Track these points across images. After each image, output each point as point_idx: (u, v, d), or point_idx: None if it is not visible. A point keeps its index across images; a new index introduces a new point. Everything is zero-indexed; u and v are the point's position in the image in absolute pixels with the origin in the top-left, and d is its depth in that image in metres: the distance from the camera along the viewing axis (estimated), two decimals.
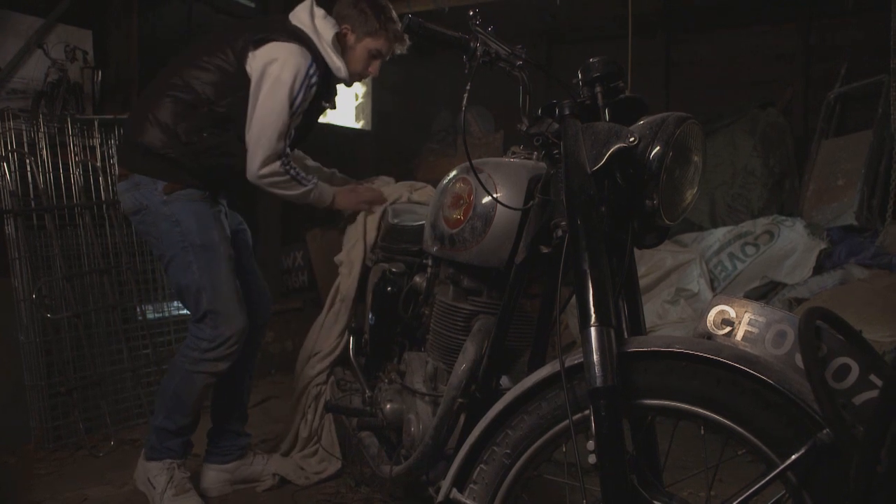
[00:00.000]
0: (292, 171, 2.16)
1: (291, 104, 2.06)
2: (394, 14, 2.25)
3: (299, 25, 2.13)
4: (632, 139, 1.16)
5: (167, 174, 2.07)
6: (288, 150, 2.14)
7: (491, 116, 5.87)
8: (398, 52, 2.33)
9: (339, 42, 2.20)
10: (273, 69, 2.04)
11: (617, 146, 1.17)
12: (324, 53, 2.13)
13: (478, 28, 1.42)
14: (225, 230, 2.16)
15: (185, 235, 2.07)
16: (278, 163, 2.11)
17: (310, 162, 2.59)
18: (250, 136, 2.08)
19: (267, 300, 2.43)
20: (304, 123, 2.22)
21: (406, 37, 2.25)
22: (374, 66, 2.29)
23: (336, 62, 2.16)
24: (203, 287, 2.06)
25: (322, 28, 2.15)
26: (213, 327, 2.06)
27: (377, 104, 6.05)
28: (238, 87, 2.06)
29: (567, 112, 1.27)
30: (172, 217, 2.07)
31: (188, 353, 2.10)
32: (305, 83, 2.07)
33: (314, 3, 2.20)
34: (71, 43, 3.23)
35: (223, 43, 2.11)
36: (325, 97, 2.27)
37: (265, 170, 2.09)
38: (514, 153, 1.67)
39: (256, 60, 2.05)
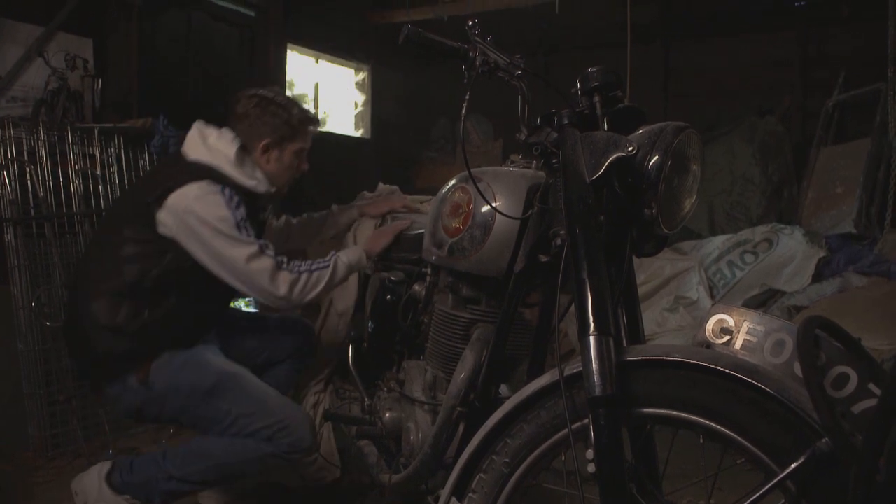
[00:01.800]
0: (302, 268, 1.93)
1: (239, 229, 1.83)
2: (297, 104, 2.07)
3: (195, 158, 1.91)
4: (630, 148, 1.17)
5: (127, 367, 1.88)
6: (282, 259, 1.91)
7: (490, 125, 5.89)
8: (316, 132, 2.15)
9: (262, 158, 2.01)
10: (193, 221, 1.80)
11: (616, 155, 1.17)
12: (232, 176, 1.90)
13: (476, 38, 1.42)
14: (220, 354, 1.98)
15: (192, 393, 1.87)
16: (283, 273, 1.88)
17: (294, 220, 2.47)
18: (244, 290, 1.90)
19: (300, 327, 2.33)
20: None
21: (316, 118, 2.13)
22: (306, 162, 2.12)
23: (247, 181, 1.93)
24: (245, 413, 1.84)
25: (221, 147, 1.93)
26: (287, 436, 1.84)
27: (377, 112, 6.07)
28: (161, 253, 1.85)
29: (566, 121, 1.28)
30: (166, 392, 1.88)
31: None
32: (232, 207, 1.84)
33: (202, 125, 1.99)
34: (71, 51, 3.24)
35: (125, 217, 1.92)
36: (260, 210, 2.10)
37: (282, 291, 1.87)
38: (513, 162, 1.67)
39: (168, 219, 1.82)
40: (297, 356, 2.29)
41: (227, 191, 1.85)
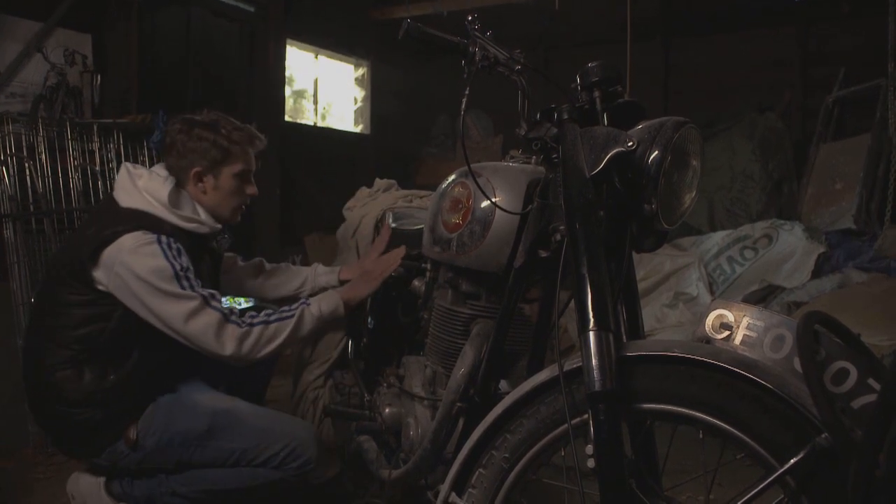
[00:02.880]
0: (256, 319, 1.74)
1: (179, 281, 1.66)
2: (230, 122, 1.88)
3: (127, 205, 1.75)
4: (630, 143, 1.17)
5: (112, 435, 1.76)
6: (231, 310, 1.72)
7: (490, 120, 5.89)
8: (259, 150, 1.93)
9: (196, 190, 1.84)
10: (129, 277, 1.64)
11: (615, 150, 1.17)
12: (168, 220, 1.75)
13: (476, 32, 1.42)
14: (205, 389, 1.86)
15: (188, 441, 1.76)
16: (230, 328, 1.68)
17: (267, 266, 2.27)
18: (190, 343, 1.69)
19: None
20: (208, 284, 1.80)
21: (257, 133, 1.92)
22: (251, 185, 1.92)
23: (186, 224, 1.78)
24: (249, 446, 1.75)
25: (153, 189, 1.77)
26: (295, 460, 1.76)
27: (376, 108, 6.06)
28: (109, 310, 1.71)
29: (566, 116, 1.28)
30: (160, 448, 1.77)
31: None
32: (171, 256, 1.67)
33: (131, 167, 1.83)
34: (70, 47, 3.24)
35: (63, 279, 1.74)
36: (207, 249, 1.93)
37: (230, 347, 1.68)
38: (512, 157, 1.67)
39: (103, 276, 1.67)
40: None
41: (163, 239, 1.68)
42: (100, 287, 1.69)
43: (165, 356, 1.79)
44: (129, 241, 1.66)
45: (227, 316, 1.69)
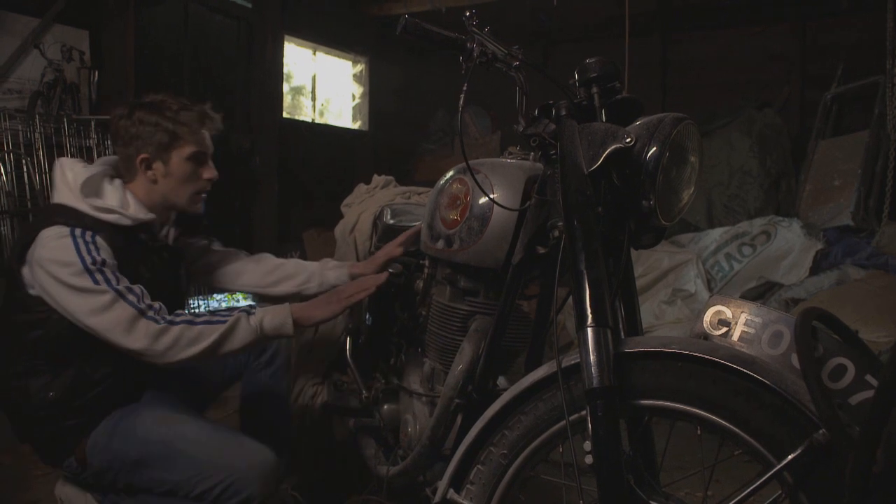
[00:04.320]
0: (180, 318, 1.59)
1: (91, 274, 1.53)
2: (177, 102, 1.75)
3: (55, 200, 1.65)
4: (628, 140, 1.17)
5: (66, 449, 1.68)
6: (149, 306, 1.58)
7: (488, 117, 5.88)
8: (215, 131, 1.80)
9: (146, 177, 1.72)
10: (42, 273, 1.55)
11: (613, 147, 1.17)
12: (83, 211, 1.61)
13: (474, 28, 1.42)
14: (158, 406, 1.72)
15: (123, 466, 1.64)
16: (143, 323, 1.54)
17: (254, 257, 2.10)
18: (101, 337, 1.56)
19: None
20: (151, 285, 1.66)
21: (213, 113, 1.79)
22: (208, 169, 1.77)
23: (103, 215, 1.63)
24: (182, 479, 1.61)
25: (73, 180, 1.64)
26: (234, 496, 1.59)
27: (374, 105, 6.06)
28: (43, 320, 1.60)
29: (564, 113, 1.27)
30: (102, 469, 1.66)
31: None
32: (84, 249, 1.55)
33: (62, 163, 1.70)
34: (67, 43, 3.23)
35: (8, 292, 1.66)
36: (144, 250, 1.75)
37: (143, 344, 1.54)
38: (511, 154, 1.67)
39: (28, 275, 1.59)
40: (262, 360, 2.00)
41: (78, 232, 1.57)
42: (30, 291, 1.60)
43: (110, 366, 1.66)
44: (44, 235, 1.56)
45: (144, 311, 1.55)
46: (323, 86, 5.86)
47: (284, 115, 5.22)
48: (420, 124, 6.24)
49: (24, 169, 2.77)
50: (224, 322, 1.60)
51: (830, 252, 3.72)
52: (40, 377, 1.63)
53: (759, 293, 3.54)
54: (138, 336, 1.53)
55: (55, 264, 1.53)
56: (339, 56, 5.94)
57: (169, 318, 1.57)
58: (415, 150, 6.14)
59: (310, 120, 5.68)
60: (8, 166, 2.72)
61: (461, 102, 1.36)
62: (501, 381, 1.75)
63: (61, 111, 3.05)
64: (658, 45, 5.67)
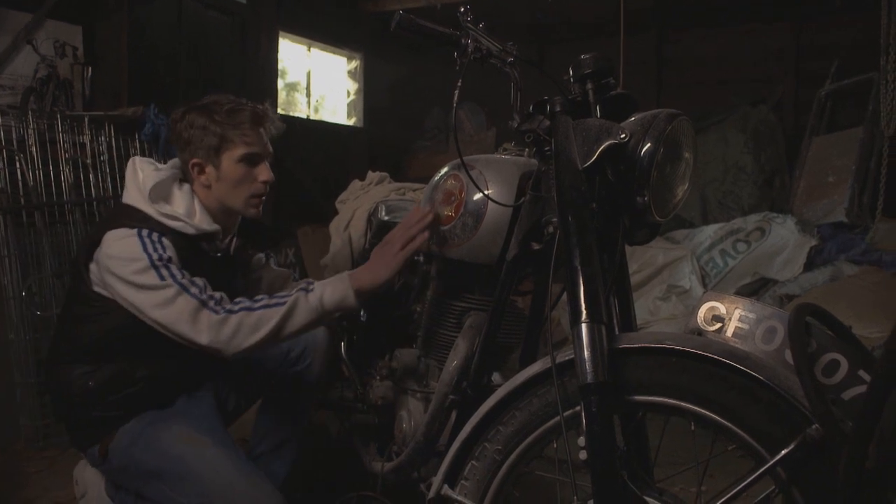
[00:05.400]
0: (239, 307, 1.55)
1: (157, 270, 1.54)
2: (229, 101, 1.71)
3: (125, 201, 1.67)
4: (623, 136, 1.17)
5: (94, 437, 1.71)
6: (210, 297, 1.55)
7: (483, 114, 5.88)
8: (274, 131, 1.77)
9: (201, 184, 1.70)
10: (108, 272, 1.56)
11: (608, 143, 1.17)
12: (150, 215, 1.62)
13: (469, 24, 1.41)
14: (186, 419, 1.71)
15: (138, 474, 1.67)
16: (205, 314, 1.52)
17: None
18: (168, 332, 1.55)
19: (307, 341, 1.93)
20: (212, 286, 1.62)
21: (269, 111, 1.77)
22: (263, 171, 1.71)
23: (169, 221, 1.62)
24: (188, 501, 1.60)
25: (143, 183, 1.65)
26: None
27: (369, 101, 6.04)
28: (104, 312, 1.62)
29: (558, 109, 1.28)
30: (120, 469, 1.70)
31: None
32: (150, 247, 1.56)
33: (135, 162, 1.70)
34: (60, 39, 3.21)
35: (73, 286, 1.73)
36: (203, 259, 1.71)
37: (207, 336, 1.51)
38: (505, 150, 1.67)
39: (94, 274, 1.61)
40: (284, 377, 1.93)
41: (145, 232, 1.58)
42: (94, 287, 1.63)
43: (151, 368, 1.69)
44: (111, 236, 1.58)
45: (206, 302, 1.53)
46: (318, 82, 5.84)
47: (279, 111, 5.20)
48: (415, 121, 6.23)
49: (18, 165, 2.75)
50: (283, 304, 1.54)
51: (824, 248, 3.73)
52: (84, 366, 1.67)
53: (754, 289, 3.55)
54: (202, 328, 1.51)
55: (121, 262, 1.54)
56: (333, 52, 5.92)
57: (228, 307, 1.54)
58: (409, 146, 6.13)
59: (304, 116, 5.67)
60: (1, 163, 2.70)
61: (455, 99, 1.35)
62: (496, 377, 1.75)
63: (54, 107, 3.04)
64: (653, 43, 5.67)
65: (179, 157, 1.72)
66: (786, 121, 5.06)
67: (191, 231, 1.65)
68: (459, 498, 1.23)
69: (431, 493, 1.25)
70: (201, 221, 1.68)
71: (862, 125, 4.34)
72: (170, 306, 1.52)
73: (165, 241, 1.59)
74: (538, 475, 1.24)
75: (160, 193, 1.66)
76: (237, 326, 1.52)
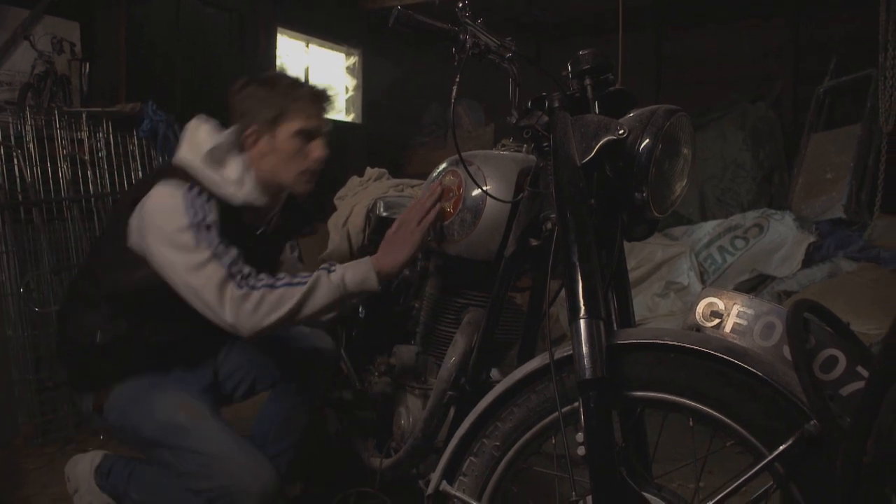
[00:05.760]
0: (262, 283, 1.52)
1: (196, 231, 1.52)
2: (290, 78, 1.71)
3: (178, 157, 1.65)
4: (621, 131, 1.17)
5: (90, 385, 1.74)
6: (239, 271, 1.52)
7: (481, 110, 5.87)
8: (329, 109, 1.75)
9: (255, 155, 1.67)
10: (148, 224, 1.54)
11: (606, 139, 1.17)
12: (202, 177, 1.60)
13: (467, 20, 1.41)
14: (185, 388, 1.71)
15: (135, 437, 1.69)
16: (230, 288, 1.49)
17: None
18: (193, 300, 1.53)
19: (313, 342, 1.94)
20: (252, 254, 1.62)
21: (328, 90, 1.75)
22: (317, 148, 1.68)
23: (221, 187, 1.61)
24: (185, 471, 1.61)
25: (200, 143, 1.63)
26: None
27: (367, 97, 6.04)
28: (135, 266, 1.59)
29: (556, 105, 1.27)
30: (116, 425, 1.71)
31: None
32: (195, 206, 1.55)
33: (200, 121, 1.70)
34: (58, 35, 3.21)
35: (109, 233, 1.72)
36: (243, 232, 1.69)
37: (229, 312, 1.49)
38: (503, 146, 1.66)
39: (134, 225, 1.58)
40: (290, 379, 1.94)
41: (194, 189, 1.57)
42: (129, 240, 1.59)
43: (161, 334, 1.68)
44: (159, 188, 1.56)
45: (233, 276, 1.50)
46: (316, 78, 5.83)
47: None
48: (413, 117, 6.23)
49: (15, 162, 2.74)
50: (304, 282, 1.52)
51: (822, 245, 3.73)
52: (99, 314, 1.66)
53: (752, 286, 3.55)
54: (226, 300, 1.49)
55: (162, 217, 1.53)
56: (332, 48, 5.91)
57: (252, 282, 1.52)
58: (408, 142, 6.12)
59: None
60: None
61: (454, 94, 1.35)
62: (494, 373, 1.75)
63: (52, 103, 3.03)
64: (652, 40, 5.67)
65: (235, 127, 1.69)
66: (784, 117, 5.06)
67: (238, 201, 1.63)
68: (458, 494, 1.23)
69: (430, 490, 1.25)
70: (250, 193, 1.65)
71: (860, 122, 4.34)
72: (199, 272, 1.49)
73: (210, 205, 1.58)
74: (537, 471, 1.24)
75: (216, 157, 1.63)
76: (258, 303, 1.50)
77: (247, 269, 1.54)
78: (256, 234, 1.76)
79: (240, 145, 1.68)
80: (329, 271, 1.56)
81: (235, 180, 1.63)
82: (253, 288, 1.50)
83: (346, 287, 1.55)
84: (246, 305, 1.49)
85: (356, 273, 1.57)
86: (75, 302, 1.73)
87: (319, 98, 1.70)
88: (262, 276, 1.55)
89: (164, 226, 1.52)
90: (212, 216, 1.56)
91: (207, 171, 1.60)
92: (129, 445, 1.77)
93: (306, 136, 1.67)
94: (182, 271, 1.50)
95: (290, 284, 1.52)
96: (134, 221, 1.58)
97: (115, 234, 1.63)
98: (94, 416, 1.73)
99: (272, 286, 1.52)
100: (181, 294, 1.53)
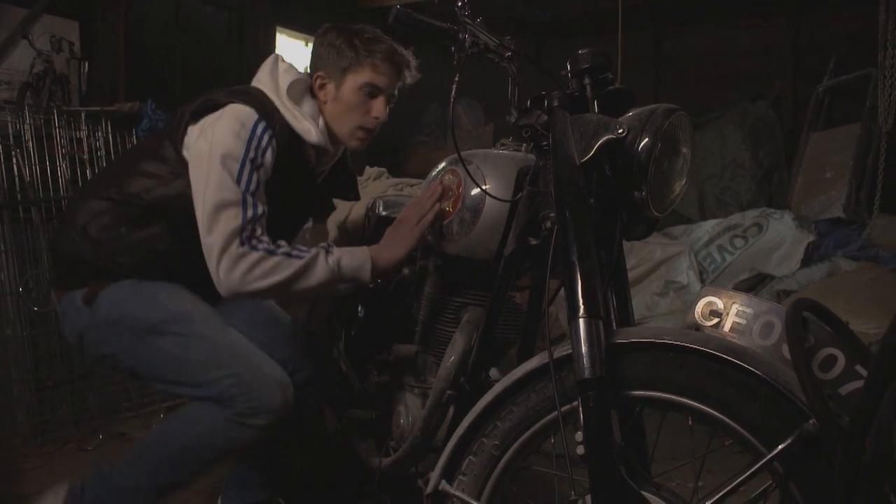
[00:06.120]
0: (262, 246, 1.49)
1: (241, 168, 1.49)
2: (377, 33, 1.69)
3: (256, 84, 1.67)
4: (620, 131, 1.16)
5: (81, 281, 1.60)
6: (252, 228, 1.50)
7: (481, 109, 5.87)
8: (409, 79, 1.75)
9: (319, 100, 1.69)
10: (205, 138, 1.52)
11: (605, 138, 1.17)
12: (280, 109, 1.61)
13: (466, 19, 1.41)
14: (188, 293, 1.62)
15: (132, 328, 1.55)
16: (235, 243, 1.46)
17: None
18: (202, 238, 1.49)
19: (310, 351, 1.88)
20: (283, 209, 1.63)
21: (407, 54, 1.73)
22: (378, 107, 1.68)
23: (300, 120, 1.62)
24: (190, 358, 1.53)
25: (281, 76, 1.65)
26: (244, 395, 1.49)
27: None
28: (174, 176, 1.57)
29: (556, 104, 1.27)
30: (107, 321, 1.57)
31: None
32: (253, 143, 1.52)
33: (278, 57, 1.72)
34: (57, 34, 3.21)
35: (161, 135, 1.66)
36: (303, 172, 1.70)
37: (224, 264, 1.45)
38: (503, 145, 1.66)
39: (192, 136, 1.55)
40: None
41: (262, 126, 1.54)
42: (184, 151, 1.56)
43: (188, 253, 1.55)
44: (231, 109, 1.54)
45: (243, 229, 1.47)
46: None
47: None
48: (413, 116, 6.22)
49: (14, 161, 2.74)
50: (302, 257, 1.51)
51: (822, 244, 3.73)
52: (119, 213, 1.58)
53: (751, 285, 3.55)
54: (225, 252, 1.45)
55: (219, 137, 1.50)
56: None
57: (253, 243, 1.48)
58: (407, 142, 6.12)
59: None
60: None
61: (453, 94, 1.35)
62: (493, 372, 1.75)
63: (51, 102, 3.04)
64: (652, 39, 5.67)
65: (310, 69, 1.72)
66: (784, 117, 5.06)
67: (313, 139, 1.63)
68: (457, 493, 1.23)
69: (429, 489, 1.25)
70: (320, 134, 1.66)
71: (859, 121, 4.34)
72: (219, 211, 1.47)
73: (273, 146, 1.56)
74: (536, 470, 1.24)
75: (295, 93, 1.64)
76: (251, 265, 1.46)
77: (259, 230, 1.51)
78: (315, 178, 1.76)
79: (309, 88, 1.69)
80: (327, 252, 1.55)
81: (310, 119, 1.64)
82: (253, 248, 1.47)
83: (341, 270, 1.55)
84: (240, 265, 1.46)
85: (352, 260, 1.56)
86: (93, 197, 1.63)
87: (394, 56, 1.68)
88: (266, 238, 1.51)
89: (222, 142, 1.49)
90: (268, 158, 1.55)
91: (289, 104, 1.62)
92: (115, 347, 1.60)
93: (371, 91, 1.67)
94: (208, 203, 1.47)
95: (288, 255, 1.50)
96: (193, 130, 1.55)
97: (165, 140, 1.60)
98: (81, 309, 1.59)
99: (271, 252, 1.49)
100: (196, 210, 1.50)
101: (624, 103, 1.28)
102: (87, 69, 3.26)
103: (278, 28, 5.11)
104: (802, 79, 5.11)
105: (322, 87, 1.68)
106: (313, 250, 1.54)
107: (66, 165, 2.93)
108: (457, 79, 1.34)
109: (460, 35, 1.41)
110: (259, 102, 1.58)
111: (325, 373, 1.93)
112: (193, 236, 1.51)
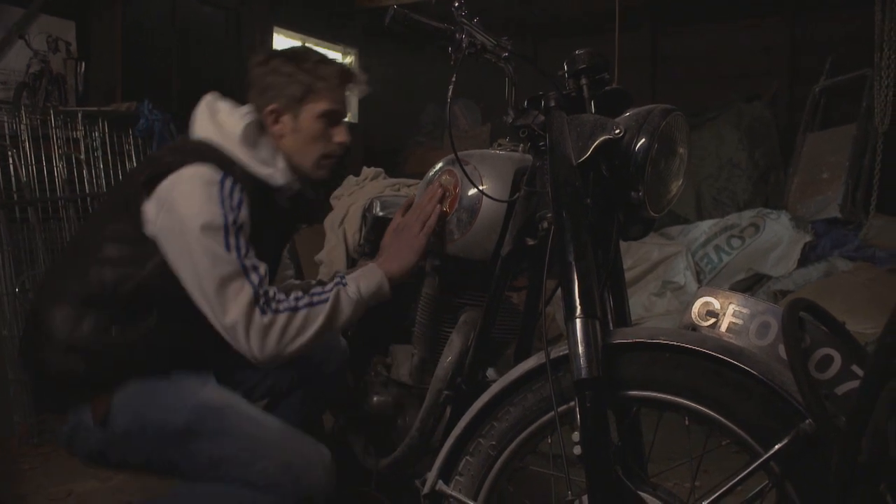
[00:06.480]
0: (283, 306, 1.39)
1: (226, 236, 1.37)
2: (319, 55, 1.60)
3: (200, 136, 1.51)
4: (617, 131, 1.17)
5: (79, 398, 1.44)
6: (265, 293, 1.39)
7: (478, 110, 5.87)
8: (359, 95, 1.72)
9: (274, 135, 1.56)
10: (174, 215, 1.37)
11: (602, 138, 1.17)
12: (239, 160, 1.47)
13: (463, 19, 1.41)
14: (206, 380, 1.50)
15: (161, 435, 1.42)
16: (256, 315, 1.35)
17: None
18: (212, 321, 1.38)
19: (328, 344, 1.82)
20: (265, 252, 1.49)
21: (357, 72, 1.67)
22: (340, 132, 1.62)
23: (259, 167, 1.49)
24: (232, 455, 1.40)
25: (229, 123, 1.51)
26: (293, 483, 1.38)
27: (364, 97, 6.04)
28: (144, 258, 1.42)
29: (553, 104, 1.27)
30: (129, 433, 1.42)
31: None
32: (228, 204, 1.39)
33: (214, 98, 1.58)
34: (53, 34, 3.20)
35: (110, 211, 1.52)
36: (276, 215, 1.59)
37: (254, 341, 1.36)
38: (500, 145, 1.66)
39: (152, 211, 1.39)
40: (312, 382, 1.83)
41: (228, 183, 1.40)
42: (146, 227, 1.40)
43: (185, 336, 1.47)
44: (188, 172, 1.39)
45: (258, 298, 1.36)
46: None
47: None
48: (410, 116, 6.23)
49: (10, 161, 2.74)
50: (326, 300, 1.42)
51: (818, 244, 3.74)
52: (100, 317, 1.42)
53: (748, 285, 3.56)
54: (252, 330, 1.35)
55: (193, 211, 1.36)
56: (328, 48, 5.90)
57: (274, 306, 1.38)
58: (405, 142, 6.13)
59: None
60: None
61: (450, 94, 1.35)
62: (490, 372, 1.75)
63: (47, 102, 3.03)
64: (648, 39, 5.67)
65: (254, 102, 1.57)
66: (780, 117, 5.06)
67: (278, 181, 1.52)
68: (454, 493, 1.23)
69: (426, 489, 1.25)
70: (285, 172, 1.55)
71: (856, 121, 4.34)
72: (224, 288, 1.35)
73: (243, 199, 1.43)
74: (533, 470, 1.24)
75: (249, 138, 1.51)
76: (283, 330, 1.38)
77: (272, 291, 1.41)
78: (288, 220, 1.69)
79: (259, 125, 1.57)
80: (343, 284, 1.47)
81: (271, 163, 1.53)
82: (277, 312, 1.38)
83: (363, 297, 1.49)
84: (272, 334, 1.37)
85: (370, 282, 1.50)
86: (59, 304, 1.44)
87: (347, 78, 1.62)
88: (281, 295, 1.41)
89: (195, 213, 1.36)
90: (243, 215, 1.42)
91: (246, 155, 1.48)
92: (136, 458, 1.47)
93: (331, 118, 1.59)
94: (204, 274, 1.36)
95: (310, 304, 1.42)
96: (150, 206, 1.40)
97: (122, 219, 1.45)
98: (93, 429, 1.44)
99: (295, 309, 1.40)
100: (193, 297, 1.39)
101: (621, 104, 1.28)
102: (83, 69, 3.26)
103: (275, 28, 5.11)
104: (798, 79, 5.12)
105: (276, 120, 1.56)
106: (330, 289, 1.45)
107: (62, 166, 2.93)
108: (454, 79, 1.34)
109: (457, 35, 1.41)
110: (215, 157, 1.44)
111: (346, 362, 1.91)
112: (188, 312, 1.40)
